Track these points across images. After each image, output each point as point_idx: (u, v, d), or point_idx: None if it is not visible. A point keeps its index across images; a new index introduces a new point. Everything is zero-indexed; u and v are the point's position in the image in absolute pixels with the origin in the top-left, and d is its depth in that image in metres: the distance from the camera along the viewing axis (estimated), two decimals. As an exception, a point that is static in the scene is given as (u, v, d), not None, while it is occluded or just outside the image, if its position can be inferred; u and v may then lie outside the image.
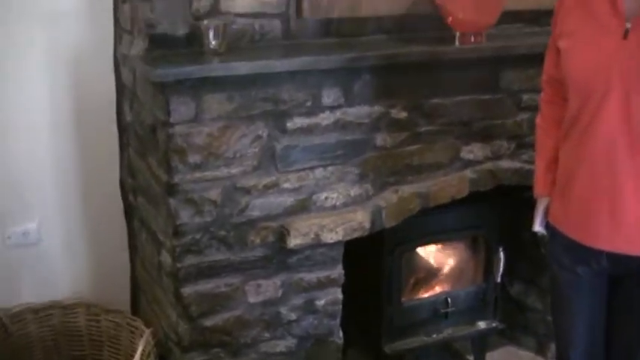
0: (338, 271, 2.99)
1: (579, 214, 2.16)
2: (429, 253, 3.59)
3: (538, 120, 2.45)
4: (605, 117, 2.02)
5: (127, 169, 3.30)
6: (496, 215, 3.41)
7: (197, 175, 2.67)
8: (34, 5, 3.09)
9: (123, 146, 3.31)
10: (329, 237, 2.86)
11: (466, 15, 2.95)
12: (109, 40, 3.19)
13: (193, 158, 2.64)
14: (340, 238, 2.88)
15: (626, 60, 1.97)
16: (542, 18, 3.09)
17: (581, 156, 2.12)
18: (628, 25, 1.98)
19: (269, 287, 2.90)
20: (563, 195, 2.23)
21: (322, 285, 2.98)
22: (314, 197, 2.86)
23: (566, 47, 2.15)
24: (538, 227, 2.42)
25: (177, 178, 2.65)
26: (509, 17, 3.21)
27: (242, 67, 2.59)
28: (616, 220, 2.07)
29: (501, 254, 3.41)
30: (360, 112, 2.85)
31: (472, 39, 2.98)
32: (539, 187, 2.40)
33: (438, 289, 3.57)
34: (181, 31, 2.73)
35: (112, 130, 3.30)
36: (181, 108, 2.57)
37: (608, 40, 2.01)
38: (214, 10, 2.75)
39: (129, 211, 3.38)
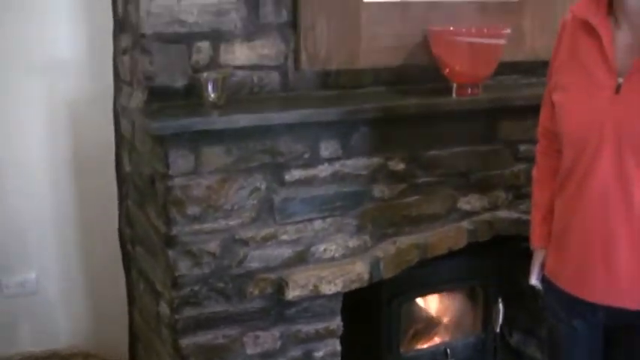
0: (336, 323, 2.98)
1: (575, 268, 2.16)
2: (428, 303, 3.58)
3: (534, 172, 2.46)
4: (599, 171, 2.03)
5: (126, 220, 3.30)
6: (494, 265, 3.41)
7: (196, 226, 2.67)
8: (35, 55, 3.13)
9: (122, 196, 3.32)
10: (327, 288, 2.85)
11: (463, 67, 2.97)
12: (109, 91, 3.22)
13: (192, 210, 2.64)
14: (339, 289, 2.88)
15: (618, 115, 1.98)
16: (538, 69, 3.12)
17: (576, 208, 2.12)
18: (620, 80, 1.99)
19: (267, 339, 2.89)
20: (558, 248, 2.23)
21: (321, 336, 2.97)
22: (312, 249, 2.86)
23: (560, 101, 2.16)
24: (534, 281, 2.42)
25: (175, 230, 2.65)
26: (506, 68, 3.24)
27: (240, 120, 2.61)
28: (611, 274, 2.07)
29: (500, 305, 3.41)
30: (358, 163, 2.86)
31: (469, 91, 3.00)
32: (536, 240, 2.41)
33: (437, 340, 3.56)
34: (180, 83, 2.75)
35: (110, 180, 3.32)
36: (180, 160, 2.58)
37: (601, 95, 2.02)
38: (213, 63, 2.77)
39: (127, 262, 3.38)
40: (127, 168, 3.18)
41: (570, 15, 2.19)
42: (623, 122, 1.98)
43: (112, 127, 3.26)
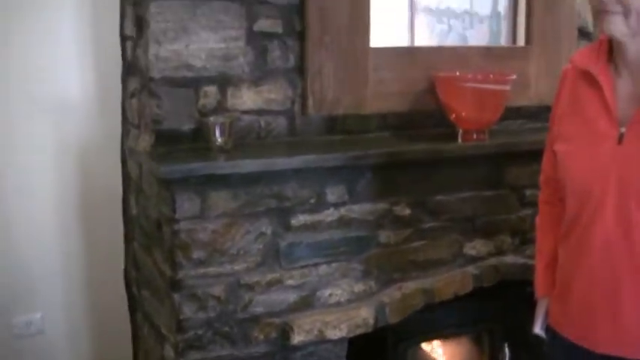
0: (342, 368, 2.98)
1: (579, 317, 2.15)
2: (434, 348, 3.56)
3: (537, 220, 2.45)
4: (603, 220, 2.01)
5: (132, 262, 3.31)
6: (500, 311, 3.39)
7: (201, 270, 2.68)
8: (44, 97, 3.16)
9: (128, 239, 3.33)
10: (333, 334, 2.84)
11: (469, 113, 2.99)
12: (117, 133, 3.24)
13: (198, 254, 2.65)
14: (344, 334, 2.87)
15: (622, 165, 1.97)
16: (543, 114, 3.11)
17: (580, 258, 2.11)
18: (622, 130, 1.98)
19: (272, 383, 2.88)
20: (562, 297, 2.22)
21: (326, 381, 2.96)
22: (318, 293, 2.86)
23: (562, 151, 2.15)
24: (538, 330, 2.40)
25: (181, 274, 2.65)
26: (512, 113, 3.26)
27: (247, 165, 2.62)
28: (617, 323, 2.06)
29: (506, 350, 3.39)
30: (364, 209, 2.87)
31: (475, 136, 3.01)
32: (540, 289, 2.39)
33: (443, 385, 3.55)
34: (187, 126, 2.77)
35: (117, 222, 3.33)
36: (186, 204, 2.59)
37: (604, 146, 2.01)
38: (220, 107, 2.80)
39: (132, 304, 3.38)
40: (134, 210, 3.19)
41: (571, 64, 2.19)
42: (627, 172, 1.97)
43: (119, 170, 3.28)
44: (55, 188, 3.25)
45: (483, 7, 3.84)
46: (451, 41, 3.66)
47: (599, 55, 2.08)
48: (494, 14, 3.81)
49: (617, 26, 1.93)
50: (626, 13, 1.90)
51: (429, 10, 4.34)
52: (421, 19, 4.37)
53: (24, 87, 3.13)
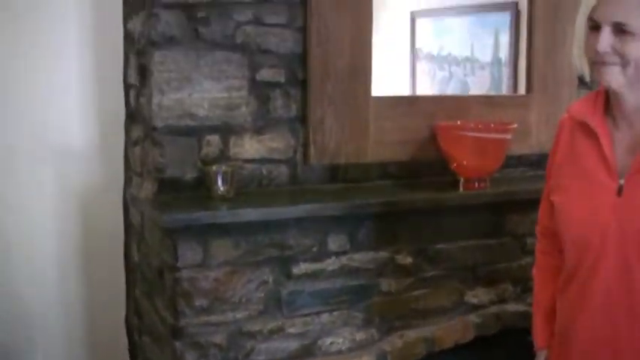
0: (342, 416, 2.97)
1: (578, 370, 2.14)
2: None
3: (534, 270, 2.44)
4: (603, 273, 2.00)
5: (133, 309, 3.31)
6: (502, 359, 3.38)
7: (203, 319, 2.67)
8: (47, 144, 3.17)
9: (129, 285, 3.33)
10: (334, 382, 2.85)
11: (470, 161, 3.00)
12: (119, 180, 3.25)
13: (200, 302, 2.65)
14: (345, 382, 2.87)
15: (622, 217, 1.96)
16: (544, 161, 3.10)
17: (580, 310, 2.09)
18: (621, 182, 1.98)
19: None
20: (562, 348, 2.20)
21: None
22: (319, 342, 2.86)
23: (560, 203, 2.14)
24: None
25: (183, 322, 2.65)
26: (513, 161, 3.27)
27: (249, 214, 2.63)
28: (617, 376, 2.05)
29: (507, 398, 3.37)
30: (365, 257, 2.88)
31: (476, 185, 3.02)
32: (539, 341, 2.37)
33: None
34: (190, 175, 2.78)
35: (119, 269, 3.33)
36: (188, 253, 2.60)
37: (603, 198, 2.00)
38: (223, 156, 2.81)
39: (134, 351, 3.37)
40: (136, 258, 3.19)
41: (567, 115, 2.19)
42: (628, 224, 1.95)
43: (121, 217, 3.29)
44: (57, 235, 3.26)
45: (484, 54, 3.88)
46: (452, 87, 3.70)
47: (596, 106, 2.08)
48: (496, 61, 3.85)
49: (615, 77, 1.94)
50: (624, 64, 1.91)
51: (430, 57, 4.39)
52: (423, 66, 4.42)
53: (28, 133, 3.15)
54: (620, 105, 2.02)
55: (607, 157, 2.02)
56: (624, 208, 1.97)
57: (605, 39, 1.91)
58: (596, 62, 1.96)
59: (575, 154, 2.13)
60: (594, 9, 1.95)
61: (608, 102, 2.07)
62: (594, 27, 1.95)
